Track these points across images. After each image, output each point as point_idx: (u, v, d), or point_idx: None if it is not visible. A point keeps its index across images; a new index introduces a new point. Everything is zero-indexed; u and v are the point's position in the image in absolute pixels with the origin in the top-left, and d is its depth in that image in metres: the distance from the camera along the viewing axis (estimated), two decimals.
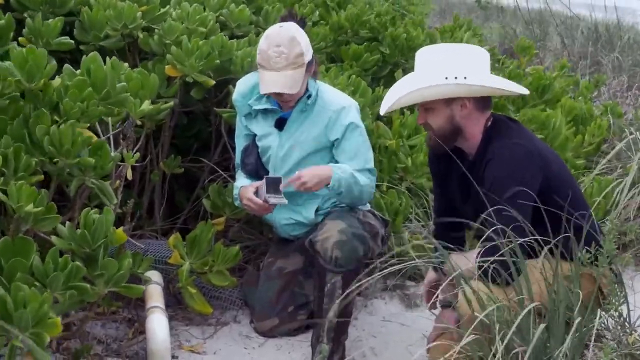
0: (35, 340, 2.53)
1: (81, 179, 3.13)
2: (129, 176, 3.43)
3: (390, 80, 5.48)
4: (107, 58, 3.44)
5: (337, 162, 3.72)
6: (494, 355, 2.67)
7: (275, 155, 3.77)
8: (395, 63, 5.47)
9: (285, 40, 3.56)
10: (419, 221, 4.62)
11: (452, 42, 5.57)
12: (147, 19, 4.19)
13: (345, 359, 3.68)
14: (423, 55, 3.25)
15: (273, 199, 3.62)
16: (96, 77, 3.20)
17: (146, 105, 3.60)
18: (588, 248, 3.10)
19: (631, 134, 5.15)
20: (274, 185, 3.63)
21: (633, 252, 4.51)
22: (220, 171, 4.32)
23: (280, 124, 3.77)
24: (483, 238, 2.99)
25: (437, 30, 5.88)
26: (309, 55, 3.63)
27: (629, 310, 3.13)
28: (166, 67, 4.01)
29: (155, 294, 3.62)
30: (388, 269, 3.73)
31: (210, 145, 4.62)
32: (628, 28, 11.25)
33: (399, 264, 4.27)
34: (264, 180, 3.64)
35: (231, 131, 4.32)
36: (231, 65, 4.22)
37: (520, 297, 2.87)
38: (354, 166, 3.69)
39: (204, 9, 4.42)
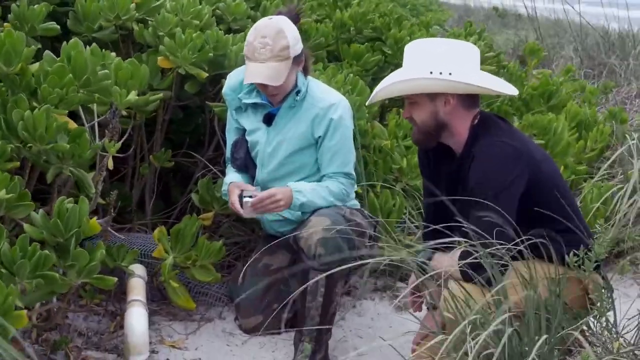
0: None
1: (58, 167, 3.10)
2: (110, 166, 3.38)
3: None
4: (102, 50, 3.43)
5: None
6: (466, 354, 2.59)
7: (263, 151, 3.72)
8: (397, 64, 5.40)
9: (271, 32, 3.51)
10: (412, 222, 4.55)
11: None
12: (141, 11, 4.14)
13: (328, 358, 3.61)
14: (411, 48, 3.19)
15: (246, 214, 3.63)
16: (76, 63, 3.17)
17: (132, 96, 3.55)
18: (576, 251, 3.03)
19: (633, 139, 5.05)
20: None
21: (631, 260, 4.41)
22: (211, 166, 4.26)
23: (268, 120, 3.72)
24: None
25: (448, 34, 5.81)
26: (296, 49, 3.58)
27: (615, 316, 3.05)
28: (159, 58, 3.97)
29: (137, 288, 3.58)
30: (367, 267, 3.70)
31: (205, 140, 4.59)
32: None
33: (387, 264, 4.25)
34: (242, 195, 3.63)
35: (224, 126, 4.27)
36: (226, 60, 4.17)
37: (497, 297, 2.79)
38: (331, 169, 3.67)
39: (200, 2, 4.38)
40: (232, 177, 3.81)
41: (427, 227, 3.57)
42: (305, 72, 3.70)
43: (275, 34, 3.51)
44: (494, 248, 2.86)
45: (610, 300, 3.07)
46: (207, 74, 4.03)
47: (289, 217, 3.76)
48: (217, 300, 4.03)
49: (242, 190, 3.66)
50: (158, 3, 4.25)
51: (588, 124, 5.24)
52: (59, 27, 3.77)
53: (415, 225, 4.60)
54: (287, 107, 3.68)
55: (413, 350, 3.53)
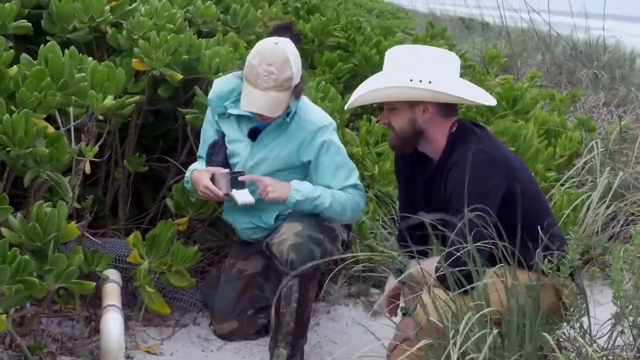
0: None
1: (36, 171, 3.07)
2: (87, 170, 3.36)
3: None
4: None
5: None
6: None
7: (243, 165, 3.67)
8: (365, 75, 5.43)
9: (277, 61, 3.44)
10: (385, 228, 4.57)
11: None
12: (116, 15, 4.13)
13: None
14: (392, 55, 3.20)
15: (239, 198, 3.56)
16: (54, 66, 3.15)
17: (109, 100, 3.54)
18: (550, 258, 3.06)
19: (602, 148, 5.14)
20: (237, 181, 3.58)
21: (599, 266, 4.48)
22: (184, 169, 4.23)
23: (253, 135, 3.67)
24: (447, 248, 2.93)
25: (412, 38, 5.85)
26: (297, 77, 3.53)
27: (589, 322, 3.09)
28: (133, 60, 3.95)
29: (112, 293, 3.55)
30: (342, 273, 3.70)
31: (176, 145, 4.57)
32: (612, 49, 11.33)
33: (363, 270, 4.27)
34: (227, 175, 3.56)
35: (197, 132, 4.26)
36: (199, 64, 4.17)
37: (478, 303, 2.81)
38: (337, 184, 3.60)
39: (172, 6, 4.37)
40: (198, 165, 3.76)
41: (401, 233, 3.60)
42: (299, 95, 3.63)
43: (281, 63, 3.44)
44: (468, 254, 2.88)
45: (585, 305, 3.11)
46: (181, 76, 4.02)
47: (263, 225, 3.74)
48: (191, 305, 4.01)
49: (212, 174, 3.61)
50: (132, 7, 4.24)
51: (557, 131, 5.31)
52: (30, 25, 3.73)
53: (387, 232, 4.63)
54: (275, 126, 3.62)
55: (388, 356, 3.55)
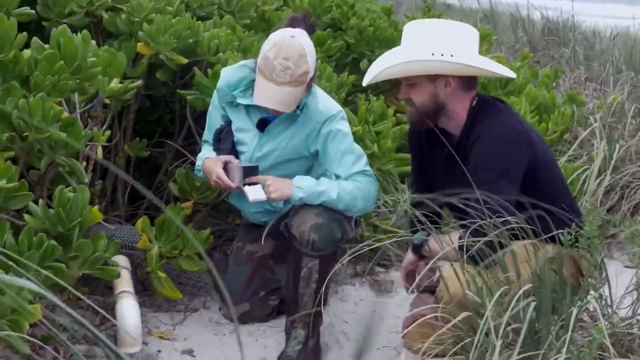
0: (12, 328, 2.41)
1: (51, 157, 3.01)
2: (100, 155, 3.30)
3: (354, 68, 5.43)
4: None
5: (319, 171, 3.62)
6: (487, 335, 2.61)
7: (251, 155, 3.61)
8: (360, 53, 5.41)
9: (294, 55, 3.35)
10: (386, 207, 4.56)
11: None
12: None
13: (320, 344, 3.60)
14: (411, 29, 3.17)
15: (252, 195, 3.47)
16: (66, 50, 3.09)
17: (115, 84, 3.49)
18: (569, 230, 3.07)
19: (595, 121, 5.18)
20: (251, 174, 3.51)
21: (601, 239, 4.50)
22: (187, 154, 4.19)
23: (262, 125, 3.60)
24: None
25: (407, 18, 5.83)
26: (312, 71, 3.45)
27: (610, 291, 3.11)
28: (138, 44, 3.89)
29: (124, 279, 3.50)
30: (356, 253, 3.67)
31: (171, 131, 4.52)
32: (577, 26, 11.42)
33: (370, 248, 4.26)
34: (240, 168, 3.50)
35: (197, 116, 4.23)
36: (198, 46, 4.12)
37: (507, 275, 2.82)
38: (344, 171, 3.52)
39: None
40: (209, 153, 3.68)
41: (416, 207, 3.58)
42: (310, 86, 3.54)
43: (298, 57, 3.35)
44: (496, 228, 2.88)
45: (604, 276, 3.13)
46: (186, 60, 3.97)
47: (270, 208, 3.70)
48: (199, 289, 3.98)
49: (224, 163, 3.55)
50: None
51: (548, 107, 5.33)
52: (34, 12, 3.65)
53: (389, 211, 4.62)
54: (284, 117, 3.54)
55: (404, 332, 3.54)
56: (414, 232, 3.49)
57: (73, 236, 2.76)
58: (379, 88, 5.66)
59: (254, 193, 3.49)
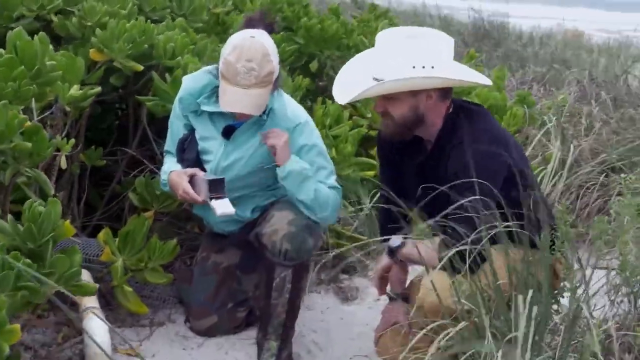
0: None
1: (16, 167, 2.85)
2: (63, 165, 3.15)
3: (305, 71, 5.35)
4: None
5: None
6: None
7: (217, 164, 3.48)
8: (310, 54, 5.33)
9: (257, 56, 3.24)
10: (348, 213, 4.49)
11: (368, 31, 5.48)
12: (67, 2, 3.89)
13: (292, 355, 3.51)
14: (386, 40, 3.08)
15: (219, 209, 3.33)
16: (25, 54, 2.93)
17: (75, 90, 3.35)
18: (545, 233, 3.05)
19: (550, 121, 5.20)
20: (217, 188, 3.36)
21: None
22: (146, 161, 4.05)
23: (227, 132, 3.48)
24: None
25: (355, 19, 5.77)
26: (277, 70, 3.35)
27: (587, 291, 3.09)
28: (91, 51, 3.74)
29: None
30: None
31: (123, 138, 4.37)
32: (505, 26, 11.57)
33: (334, 256, 4.20)
34: (207, 181, 3.35)
35: (154, 122, 4.10)
36: (154, 50, 3.99)
37: (498, 282, 2.78)
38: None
39: None
40: (173, 166, 3.54)
41: (386, 216, 3.52)
42: (276, 87, 3.44)
43: (261, 58, 3.24)
44: (475, 233, 2.83)
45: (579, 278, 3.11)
46: (142, 67, 3.83)
47: (237, 218, 3.59)
48: (163, 302, 3.85)
49: (190, 176, 3.41)
50: None
51: (499, 108, 5.33)
52: None
53: (350, 216, 4.56)
54: (251, 124, 3.43)
55: (376, 340, 3.49)
56: (385, 237, 3.44)
57: (45, 252, 2.60)
58: (328, 90, 5.60)
59: (222, 207, 3.35)
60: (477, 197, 2.79)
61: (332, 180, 3.50)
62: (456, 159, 3.00)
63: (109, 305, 3.70)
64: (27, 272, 2.43)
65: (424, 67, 2.98)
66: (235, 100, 3.27)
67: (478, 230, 2.75)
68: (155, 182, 3.83)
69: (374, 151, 4.91)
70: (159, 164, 4.04)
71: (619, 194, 4.75)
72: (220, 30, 4.88)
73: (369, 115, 5.02)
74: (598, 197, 4.84)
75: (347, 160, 4.49)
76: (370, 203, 4.59)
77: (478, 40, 9.99)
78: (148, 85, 4.12)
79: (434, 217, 3.07)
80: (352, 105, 5.04)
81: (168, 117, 3.94)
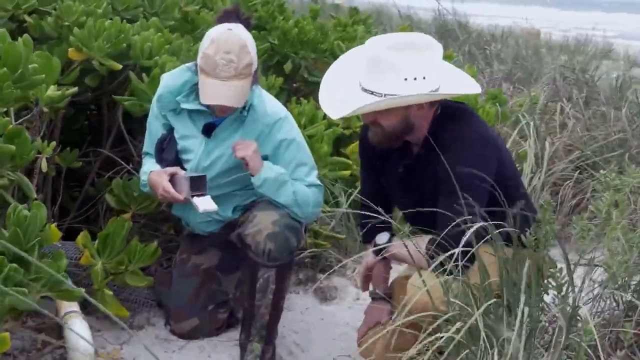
0: None
1: None
2: (44, 168, 3.10)
3: (278, 71, 5.32)
4: None
5: None
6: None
7: (198, 163, 3.45)
8: (284, 55, 5.30)
9: (235, 48, 3.23)
10: (324, 212, 4.48)
11: (344, 35, 5.46)
12: (42, 2, 3.83)
13: (275, 356, 3.49)
14: (375, 49, 3.03)
15: (202, 206, 3.30)
16: (8, 56, 2.87)
17: (52, 91, 3.29)
18: (530, 230, 3.06)
19: (524, 117, 5.24)
20: (199, 185, 3.33)
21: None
22: (122, 162, 3.99)
23: (208, 130, 3.45)
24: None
25: (333, 19, 5.75)
26: (256, 63, 3.33)
27: (573, 287, 3.11)
28: (69, 50, 3.68)
29: None
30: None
31: (94, 140, 4.31)
32: (465, 26, 11.63)
33: (312, 255, 4.19)
34: (188, 178, 3.32)
35: (130, 123, 4.06)
36: (131, 50, 3.94)
37: (487, 281, 2.78)
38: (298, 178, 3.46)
39: None
40: (153, 166, 3.50)
41: (366, 215, 3.50)
42: (255, 81, 3.42)
43: (239, 49, 3.23)
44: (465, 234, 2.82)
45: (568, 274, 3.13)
46: (120, 66, 3.79)
47: (219, 218, 3.56)
48: (142, 305, 3.80)
49: (170, 175, 3.38)
50: None
51: (472, 105, 5.32)
52: None
53: (327, 216, 4.55)
54: (231, 120, 3.41)
55: (359, 341, 3.47)
56: (367, 236, 3.43)
57: (32, 257, 2.55)
58: (301, 91, 5.58)
59: (204, 203, 3.33)
60: (468, 199, 2.78)
61: (313, 177, 3.48)
62: (448, 160, 2.96)
63: (86, 309, 3.63)
64: (14, 277, 2.38)
65: (415, 79, 2.94)
66: (216, 92, 3.25)
67: (467, 232, 2.74)
68: (133, 183, 3.79)
69: (347, 150, 4.93)
70: (136, 165, 4.00)
71: (594, 190, 4.80)
72: (190, 28, 4.84)
73: None
74: (573, 194, 4.88)
75: (323, 160, 4.47)
76: (346, 202, 4.59)
77: (443, 39, 10.03)
78: (123, 86, 4.07)
79: (421, 220, 3.09)
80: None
81: (145, 117, 3.90)
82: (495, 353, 2.51)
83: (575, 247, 3.50)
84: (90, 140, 4.39)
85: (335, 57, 5.28)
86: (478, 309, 2.63)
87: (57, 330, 3.41)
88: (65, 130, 4.28)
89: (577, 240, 3.20)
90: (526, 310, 2.66)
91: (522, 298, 2.73)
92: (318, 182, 3.51)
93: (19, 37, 3.70)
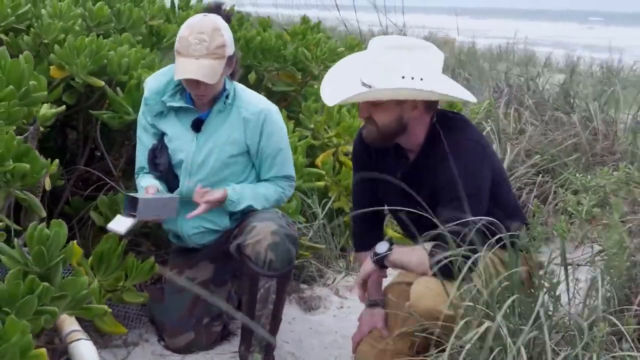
0: None
1: (7, 190, 2.77)
2: (47, 186, 3.07)
3: (243, 83, 5.32)
4: None
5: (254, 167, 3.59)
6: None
7: (191, 161, 3.50)
8: (247, 66, 5.33)
9: (208, 29, 3.33)
10: (301, 223, 4.52)
11: (311, 42, 5.50)
12: (20, 19, 3.80)
13: None
14: (379, 47, 3.10)
15: (112, 224, 3.36)
16: (11, 74, 2.85)
17: (45, 109, 3.26)
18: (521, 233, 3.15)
19: (489, 125, 5.37)
20: (130, 205, 3.37)
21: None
22: (108, 180, 3.96)
23: (197, 125, 3.51)
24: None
25: (287, 32, 5.80)
26: (231, 49, 3.41)
27: (568, 288, 3.21)
28: (51, 67, 3.64)
29: (69, 317, 3.25)
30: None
31: (68, 158, 4.27)
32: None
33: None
34: (126, 197, 3.39)
35: (107, 139, 4.04)
36: (108, 66, 3.92)
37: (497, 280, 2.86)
38: (271, 174, 3.56)
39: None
40: (149, 181, 3.54)
41: (357, 222, 3.56)
42: (233, 76, 3.53)
43: (212, 30, 3.33)
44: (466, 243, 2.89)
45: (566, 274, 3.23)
46: (103, 83, 3.77)
47: (216, 228, 3.58)
48: (133, 322, 3.77)
49: (157, 190, 3.45)
50: (26, 9, 3.91)
51: None
52: None
53: (305, 227, 4.58)
54: (217, 111, 3.49)
55: (355, 348, 3.51)
56: (362, 245, 3.48)
57: (55, 275, 2.53)
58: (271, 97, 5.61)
59: (115, 222, 3.38)
60: (460, 210, 2.86)
61: (287, 170, 3.63)
62: (447, 169, 3.02)
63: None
64: (46, 296, 2.36)
65: (413, 78, 3.01)
66: (186, 68, 3.34)
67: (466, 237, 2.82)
68: (119, 200, 3.77)
69: (317, 161, 4.97)
70: (118, 181, 3.98)
71: (555, 192, 4.96)
72: (156, 40, 4.83)
73: (312, 126, 5.06)
74: (536, 196, 5.02)
75: (299, 171, 4.50)
76: (322, 213, 4.64)
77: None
78: (100, 102, 4.05)
79: (419, 228, 3.14)
80: (295, 118, 5.08)
81: (122, 131, 3.92)
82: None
83: (556, 247, 3.64)
84: (64, 159, 4.35)
85: (299, 66, 5.39)
86: (499, 311, 2.69)
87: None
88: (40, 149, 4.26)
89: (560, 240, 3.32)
90: (542, 310, 2.74)
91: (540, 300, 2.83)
92: (292, 174, 3.67)
93: None
